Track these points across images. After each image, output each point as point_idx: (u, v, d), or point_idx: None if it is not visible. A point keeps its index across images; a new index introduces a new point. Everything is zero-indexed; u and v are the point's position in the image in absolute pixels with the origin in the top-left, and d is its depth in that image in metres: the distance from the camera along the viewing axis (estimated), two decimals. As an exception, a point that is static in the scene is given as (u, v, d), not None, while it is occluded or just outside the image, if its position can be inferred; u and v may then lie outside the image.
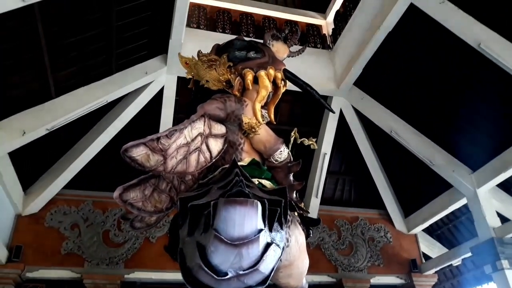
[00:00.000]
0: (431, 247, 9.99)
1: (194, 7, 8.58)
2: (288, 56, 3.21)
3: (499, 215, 7.59)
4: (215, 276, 1.77)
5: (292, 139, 2.95)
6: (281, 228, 1.90)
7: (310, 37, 8.93)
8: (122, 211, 8.40)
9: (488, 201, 7.57)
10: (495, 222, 7.40)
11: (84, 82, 6.85)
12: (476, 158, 7.59)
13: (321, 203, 9.16)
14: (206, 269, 1.75)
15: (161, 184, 2.51)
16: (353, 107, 8.50)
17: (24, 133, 6.26)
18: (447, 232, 9.83)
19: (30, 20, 5.31)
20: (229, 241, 1.73)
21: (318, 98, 3.01)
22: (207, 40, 7.92)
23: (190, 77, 3.07)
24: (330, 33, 8.99)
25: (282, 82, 2.91)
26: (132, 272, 7.96)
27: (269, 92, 2.83)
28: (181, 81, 7.85)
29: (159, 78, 7.63)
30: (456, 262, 9.24)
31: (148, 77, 7.49)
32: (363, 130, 8.86)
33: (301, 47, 3.46)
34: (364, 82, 8.15)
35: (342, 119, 8.70)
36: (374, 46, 7.30)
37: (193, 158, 2.36)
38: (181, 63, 3.05)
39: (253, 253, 1.81)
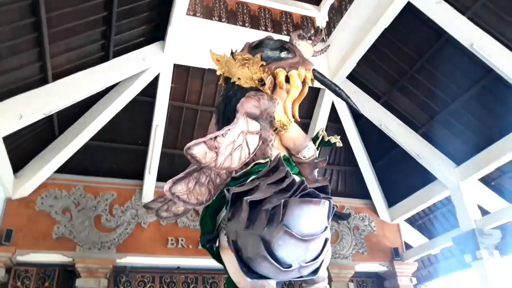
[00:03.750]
0: (412, 236, 10.39)
1: (191, -6, 8.54)
2: (312, 56, 3.32)
3: (479, 207, 7.98)
4: (280, 267, 1.92)
5: (320, 137, 3.10)
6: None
7: (303, 28, 9.02)
8: (113, 196, 8.48)
9: (470, 194, 7.94)
10: (476, 214, 7.78)
11: (81, 67, 6.78)
12: (460, 153, 7.92)
13: (309, 192, 9.37)
14: (272, 260, 1.89)
15: (201, 177, 2.61)
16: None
17: (21, 117, 6.19)
18: (428, 223, 10.24)
19: (33, 3, 5.24)
20: (300, 237, 1.87)
21: (346, 98, 3.15)
22: (203, 29, 8.01)
23: (220, 73, 3.14)
24: (324, 26, 9.11)
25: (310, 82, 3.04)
26: (124, 257, 8.04)
27: (298, 91, 2.94)
28: (176, 68, 7.87)
29: (155, 65, 7.61)
30: (435, 251, 9.71)
31: (145, 63, 7.47)
32: (353, 122, 9.10)
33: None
34: (357, 77, 8.36)
35: (333, 111, 8.90)
36: (369, 42, 7.47)
37: (236, 154, 2.49)
38: (213, 59, 3.12)
39: (317, 248, 1.99)
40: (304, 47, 3.25)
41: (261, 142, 2.72)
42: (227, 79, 3.11)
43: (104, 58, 7.00)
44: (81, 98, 6.87)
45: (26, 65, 6.06)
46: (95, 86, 7.03)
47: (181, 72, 8.18)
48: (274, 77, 2.88)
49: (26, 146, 7.58)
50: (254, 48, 3.07)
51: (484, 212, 7.96)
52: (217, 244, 2.87)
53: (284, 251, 1.92)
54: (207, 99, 8.70)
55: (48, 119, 7.27)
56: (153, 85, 7.83)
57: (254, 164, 2.68)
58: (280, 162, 2.23)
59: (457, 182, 7.96)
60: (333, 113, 8.93)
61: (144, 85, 7.73)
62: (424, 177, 8.72)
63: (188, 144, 2.22)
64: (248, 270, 2.10)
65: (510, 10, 6.02)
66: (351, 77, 8.36)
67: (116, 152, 8.68)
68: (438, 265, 10.51)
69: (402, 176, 9.44)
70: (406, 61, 7.68)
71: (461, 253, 8.17)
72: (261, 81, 2.91)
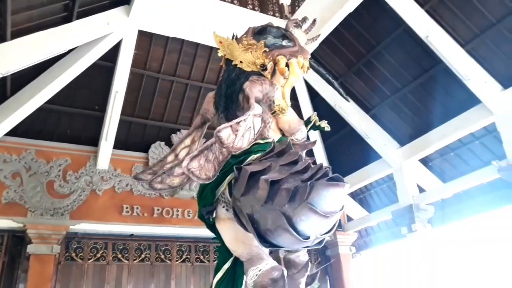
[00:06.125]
0: (353, 209, 11.17)
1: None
2: (305, 44, 3.53)
3: (417, 185, 8.79)
4: (300, 238, 2.19)
5: (312, 121, 3.37)
6: None
7: (269, 5, 9.12)
8: (67, 162, 8.28)
9: (411, 173, 8.72)
10: (414, 191, 8.60)
11: (42, 27, 6.45)
12: (405, 135, 8.64)
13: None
14: (294, 232, 2.16)
15: (209, 155, 2.77)
16: (304, 79, 9.03)
17: (-23, 76, 5.84)
18: (368, 197, 11.04)
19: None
20: (323, 214, 2.15)
21: (337, 88, 3.42)
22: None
23: (222, 55, 3.26)
24: (288, 3, 9.25)
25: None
26: (78, 223, 7.97)
27: (293, 78, 3.16)
28: (140, 35, 7.69)
29: (119, 29, 7.38)
30: (373, 223, 10.58)
31: (108, 27, 7.23)
32: (309, 100, 9.50)
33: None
34: (317, 57, 8.67)
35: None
36: (333, 24, 7.74)
37: (246, 136, 2.67)
38: (215, 41, 3.23)
39: (333, 222, 2.29)
40: (299, 35, 3.46)
41: (262, 124, 2.93)
42: (227, 61, 3.25)
43: (67, 19, 6.69)
44: (41, 59, 6.57)
45: (-16, 21, 5.68)
46: (56, 48, 6.72)
47: (144, 39, 8.02)
48: (275, 63, 3.07)
49: (-26, 105, 7.15)
50: (257, 34, 3.23)
51: (421, 190, 8.78)
52: (213, 216, 3.08)
53: (306, 225, 2.21)
54: (168, 67, 8.63)
55: (0, 80, 6.88)
56: (115, 50, 7.62)
57: (254, 144, 2.89)
58: (289, 146, 2.48)
59: (399, 162, 8.69)
60: (291, 91, 9.23)
61: (106, 49, 7.47)
62: (369, 156, 9.38)
63: (218, 128, 2.40)
64: (262, 240, 2.37)
65: (464, 9, 6.57)
66: (312, 57, 8.61)
67: (71, 116, 8.42)
68: (374, 236, 11.42)
69: (349, 154, 10.07)
70: (365, 46, 8.12)
71: (397, 225, 9.01)
72: (263, 66, 3.09)
